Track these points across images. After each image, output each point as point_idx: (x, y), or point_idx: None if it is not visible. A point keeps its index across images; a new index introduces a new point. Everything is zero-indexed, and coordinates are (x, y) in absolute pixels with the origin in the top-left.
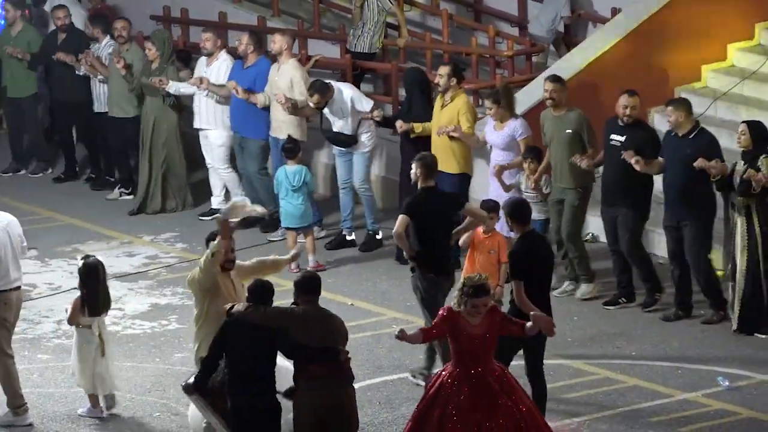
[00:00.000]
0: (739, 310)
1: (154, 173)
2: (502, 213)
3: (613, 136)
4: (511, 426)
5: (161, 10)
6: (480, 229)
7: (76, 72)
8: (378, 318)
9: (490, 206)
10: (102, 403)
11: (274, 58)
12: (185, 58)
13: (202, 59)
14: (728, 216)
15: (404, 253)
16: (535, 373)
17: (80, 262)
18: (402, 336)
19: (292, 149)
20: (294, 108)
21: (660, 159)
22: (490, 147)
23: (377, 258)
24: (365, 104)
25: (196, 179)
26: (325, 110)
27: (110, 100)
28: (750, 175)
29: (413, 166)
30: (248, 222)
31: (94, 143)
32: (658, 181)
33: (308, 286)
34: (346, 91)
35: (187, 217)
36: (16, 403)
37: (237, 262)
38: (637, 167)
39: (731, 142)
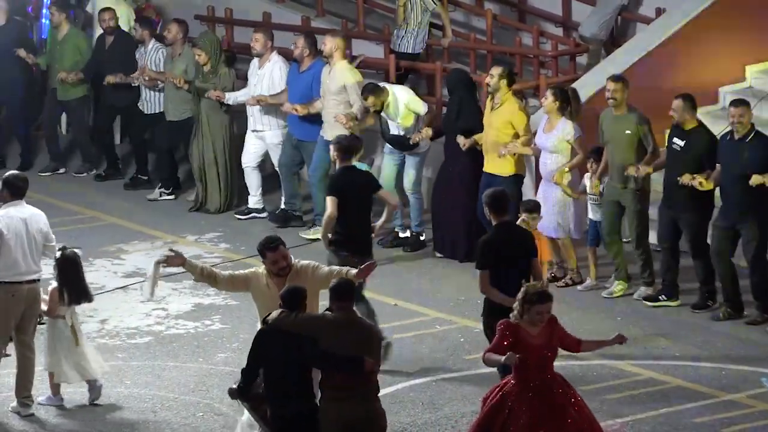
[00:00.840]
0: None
1: (209, 172)
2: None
3: (675, 140)
4: None
5: (206, 10)
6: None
7: (132, 85)
8: (421, 318)
9: (531, 206)
10: (88, 392)
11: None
12: (230, 58)
13: (255, 61)
14: None
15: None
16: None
17: (58, 254)
18: (488, 361)
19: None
20: (357, 122)
21: (717, 169)
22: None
23: (421, 258)
24: (422, 107)
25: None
26: (383, 114)
27: (166, 104)
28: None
29: (330, 148)
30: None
31: (143, 145)
32: None
33: (343, 292)
34: (400, 93)
35: (231, 218)
36: (22, 395)
37: (312, 265)
38: (700, 188)
39: None
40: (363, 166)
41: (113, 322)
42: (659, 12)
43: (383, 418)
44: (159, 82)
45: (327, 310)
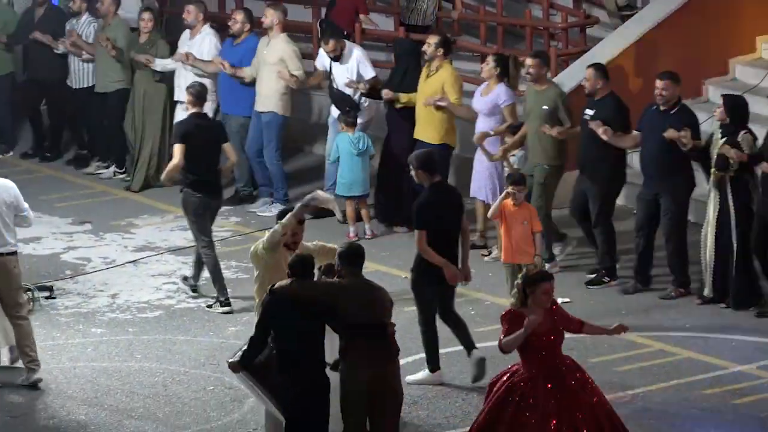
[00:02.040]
0: (711, 282)
1: (144, 147)
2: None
3: (586, 111)
4: (591, 420)
5: None
6: (510, 202)
7: (55, 50)
8: None
9: (516, 179)
10: (8, 355)
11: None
12: (221, 30)
13: (186, 33)
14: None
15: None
16: (449, 315)
17: None
18: (504, 348)
19: (355, 116)
20: (300, 82)
21: (635, 133)
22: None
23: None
24: (369, 71)
25: None
26: (335, 66)
27: (97, 76)
28: (724, 150)
29: (185, 94)
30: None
31: (73, 121)
32: None
33: (354, 257)
34: (355, 51)
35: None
36: (27, 360)
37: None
38: (604, 137)
39: None
40: (364, 135)
41: (124, 297)
42: None
43: (400, 382)
44: (85, 53)
45: (337, 275)
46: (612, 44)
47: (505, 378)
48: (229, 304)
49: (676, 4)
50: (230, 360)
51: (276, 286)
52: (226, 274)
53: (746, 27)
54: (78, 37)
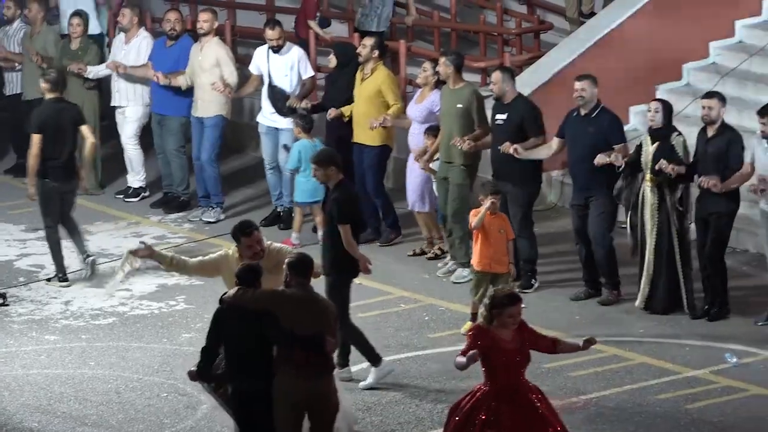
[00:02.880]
0: (648, 289)
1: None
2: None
3: (498, 115)
4: None
5: None
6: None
7: None
8: (385, 297)
9: (495, 189)
10: None
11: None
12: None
13: (120, 36)
14: (619, 194)
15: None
16: (345, 321)
17: None
18: (461, 365)
19: (309, 122)
20: (233, 91)
21: (555, 140)
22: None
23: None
24: (308, 70)
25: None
26: (273, 59)
27: (25, 83)
28: (662, 166)
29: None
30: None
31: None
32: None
33: (303, 268)
34: (296, 48)
35: (194, 198)
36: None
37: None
38: (517, 155)
39: (739, 119)
40: (319, 142)
41: (77, 303)
42: None
43: (335, 394)
44: (17, 65)
45: (286, 285)
46: (566, 50)
47: (466, 399)
48: (66, 280)
49: (630, 10)
50: (190, 369)
51: (224, 295)
52: (180, 281)
53: (699, 33)
54: (7, 52)
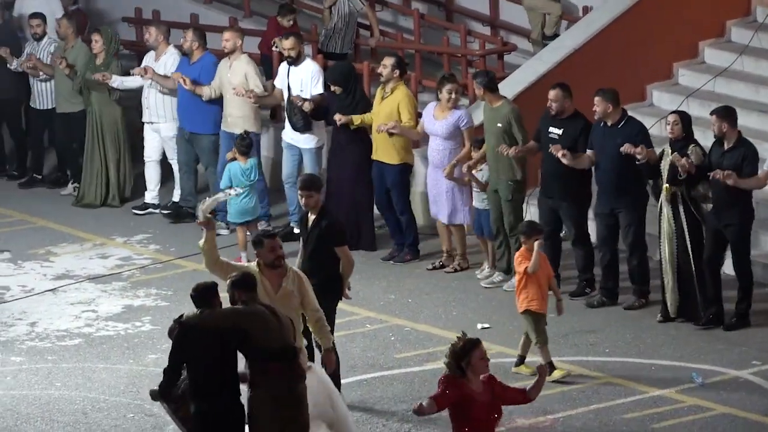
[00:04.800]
0: (669, 299)
1: (104, 167)
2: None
3: (551, 129)
4: None
5: (133, 11)
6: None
7: (8, 66)
8: (351, 317)
9: (537, 229)
10: None
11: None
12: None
13: (151, 53)
14: (656, 199)
15: None
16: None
17: None
18: (420, 410)
19: (249, 145)
20: (257, 97)
21: (588, 152)
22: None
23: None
24: (320, 86)
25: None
26: (292, 72)
27: (57, 97)
28: (674, 159)
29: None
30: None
31: (25, 140)
32: None
33: (250, 283)
34: (312, 64)
35: (160, 219)
36: None
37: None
38: (564, 161)
39: (704, 139)
40: (254, 164)
41: (43, 325)
42: (586, 10)
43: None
44: (42, 74)
45: (232, 303)
46: (529, 71)
47: None
48: None
49: (593, 31)
50: (152, 389)
51: (184, 317)
52: (146, 302)
53: (662, 54)
54: (37, 60)
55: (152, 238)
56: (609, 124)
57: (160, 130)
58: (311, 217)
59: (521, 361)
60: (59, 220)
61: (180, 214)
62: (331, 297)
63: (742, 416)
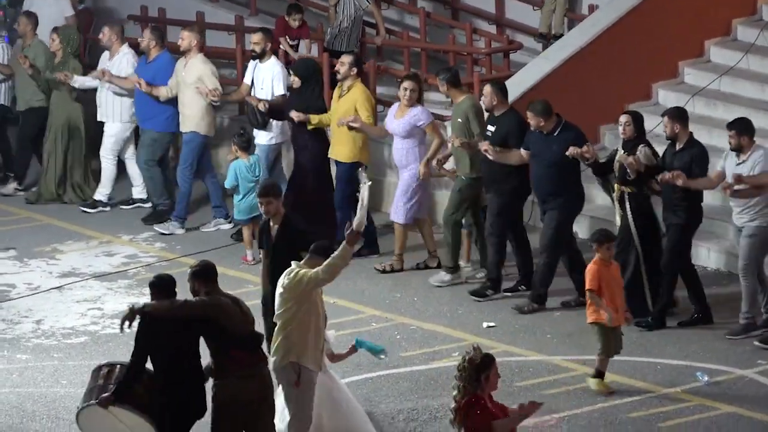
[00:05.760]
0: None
1: (64, 163)
2: None
3: (489, 126)
4: None
5: (139, 10)
6: (602, 266)
7: None
8: (357, 316)
9: (609, 236)
10: None
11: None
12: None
13: (105, 53)
14: (610, 196)
15: None
16: None
17: None
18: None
19: (248, 140)
20: (222, 95)
21: (522, 151)
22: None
23: (355, 256)
24: (281, 87)
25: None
26: (258, 70)
27: (19, 95)
28: (622, 159)
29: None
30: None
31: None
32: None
33: (212, 273)
34: (277, 64)
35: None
36: None
37: None
38: (489, 156)
39: (709, 139)
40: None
41: (49, 323)
42: (592, 9)
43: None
44: (1, 75)
45: (194, 294)
46: (535, 69)
47: None
48: None
49: (598, 30)
50: (97, 400)
51: (147, 308)
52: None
53: (668, 52)
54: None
55: (158, 236)
56: (545, 132)
57: (110, 129)
58: (273, 225)
59: (599, 374)
60: (65, 218)
61: (158, 215)
62: None
63: (747, 415)
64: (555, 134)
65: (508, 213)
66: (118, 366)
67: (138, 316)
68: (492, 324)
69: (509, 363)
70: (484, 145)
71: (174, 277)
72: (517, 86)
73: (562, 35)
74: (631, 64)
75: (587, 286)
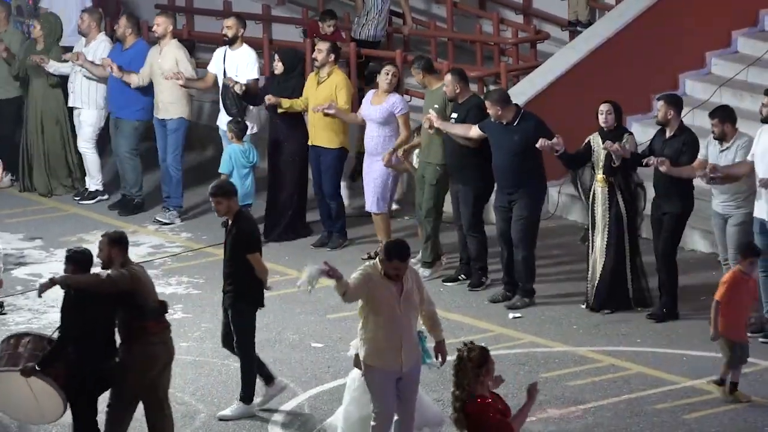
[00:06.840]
0: (596, 288)
1: (43, 152)
2: None
3: (452, 114)
4: None
5: None
6: (739, 274)
7: None
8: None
9: (755, 250)
10: None
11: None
12: (189, 47)
13: (82, 40)
14: (578, 190)
15: None
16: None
17: None
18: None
19: (243, 128)
20: (186, 80)
21: (474, 128)
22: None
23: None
24: (255, 72)
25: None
26: (228, 56)
27: None
28: (607, 146)
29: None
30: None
31: None
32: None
33: (127, 241)
34: (248, 50)
35: (191, 207)
36: None
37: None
38: (434, 124)
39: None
40: (251, 146)
41: None
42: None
43: None
44: None
45: (108, 262)
46: (562, 59)
47: None
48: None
49: (626, 20)
50: (22, 367)
51: (71, 281)
52: (177, 289)
53: (695, 42)
54: None
55: (183, 226)
56: (504, 123)
57: (81, 115)
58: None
59: (722, 382)
60: (90, 208)
61: (127, 206)
62: (250, 304)
63: None
64: (515, 124)
65: (481, 204)
66: (29, 336)
67: (61, 288)
68: (518, 315)
69: (535, 354)
70: (435, 121)
71: (90, 251)
72: (544, 77)
73: (590, 22)
74: (658, 54)
75: (716, 296)
